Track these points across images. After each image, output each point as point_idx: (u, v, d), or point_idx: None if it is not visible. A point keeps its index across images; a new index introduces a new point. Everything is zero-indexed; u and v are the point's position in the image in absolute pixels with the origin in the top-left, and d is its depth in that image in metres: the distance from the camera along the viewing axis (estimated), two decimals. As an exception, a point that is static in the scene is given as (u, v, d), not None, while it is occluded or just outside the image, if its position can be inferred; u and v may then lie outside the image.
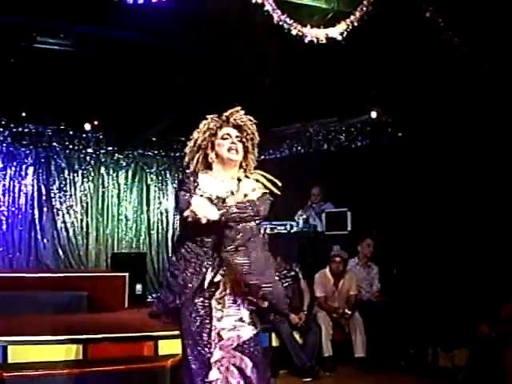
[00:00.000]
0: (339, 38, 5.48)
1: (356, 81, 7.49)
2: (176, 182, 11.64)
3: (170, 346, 5.71)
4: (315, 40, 5.38)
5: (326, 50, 5.67)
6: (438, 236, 7.33)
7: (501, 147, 6.81)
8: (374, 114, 8.63)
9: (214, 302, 3.13)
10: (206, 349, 3.10)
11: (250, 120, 3.33)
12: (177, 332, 5.83)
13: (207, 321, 3.12)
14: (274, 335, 6.34)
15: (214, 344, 3.10)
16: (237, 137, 3.28)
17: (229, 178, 3.28)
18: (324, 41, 5.41)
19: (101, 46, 6.92)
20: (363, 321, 6.66)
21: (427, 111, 7.57)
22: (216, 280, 3.12)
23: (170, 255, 11.31)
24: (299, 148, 10.11)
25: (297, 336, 6.44)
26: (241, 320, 3.14)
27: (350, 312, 6.70)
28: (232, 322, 3.13)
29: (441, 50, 6.03)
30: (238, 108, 3.34)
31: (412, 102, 7.74)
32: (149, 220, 11.34)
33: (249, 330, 3.15)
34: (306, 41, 5.37)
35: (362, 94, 8.03)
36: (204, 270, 3.11)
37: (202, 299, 3.14)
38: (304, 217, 8.71)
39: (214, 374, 3.09)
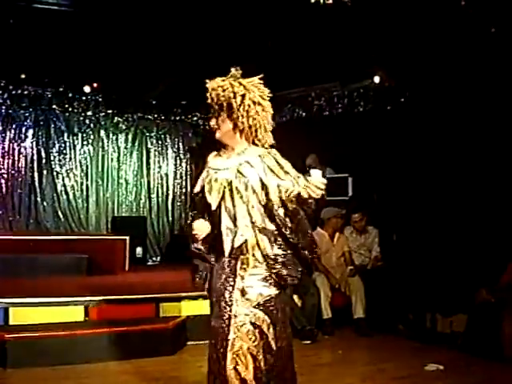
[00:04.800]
0: (345, -2, 5.39)
1: (359, 44, 7.38)
2: (176, 146, 11.63)
3: (172, 308, 5.77)
4: (321, 0, 5.29)
5: (330, 13, 5.59)
6: (439, 202, 7.32)
7: (507, 111, 6.73)
8: (377, 79, 8.52)
9: (239, 262, 3.16)
10: (228, 307, 3.13)
11: (220, 82, 3.19)
12: (178, 294, 5.95)
13: (231, 279, 3.16)
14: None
15: (235, 302, 3.13)
16: (214, 113, 3.25)
17: (234, 153, 3.27)
18: (330, 1, 5.31)
19: (100, 6, 6.81)
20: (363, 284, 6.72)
21: (431, 76, 7.48)
22: (236, 246, 3.14)
23: (169, 219, 11.37)
24: (301, 113, 10.02)
25: (295, 298, 6.49)
26: (264, 279, 3.15)
27: (352, 267, 6.84)
28: (255, 281, 3.15)
29: (446, 13, 5.94)
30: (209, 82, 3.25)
31: (416, 67, 7.64)
32: (149, 184, 11.31)
33: (271, 290, 3.16)
34: (312, 0, 5.28)
35: (365, 57, 7.92)
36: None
37: (228, 258, 3.18)
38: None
39: (231, 333, 3.11)
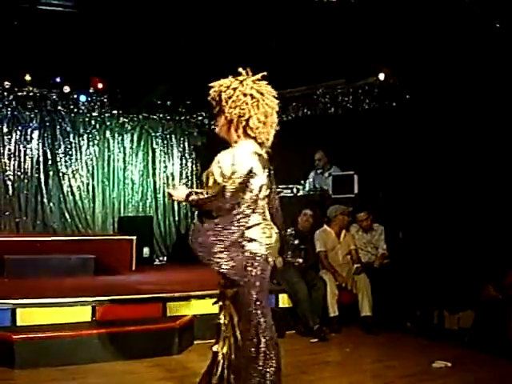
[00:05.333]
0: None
1: (364, 42, 7.37)
2: (181, 145, 11.64)
3: (179, 308, 5.78)
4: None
5: (334, 10, 5.58)
6: (445, 199, 7.30)
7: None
8: (382, 76, 8.49)
9: None
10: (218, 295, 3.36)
11: (221, 81, 3.26)
12: (184, 294, 5.98)
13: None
14: (281, 296, 6.40)
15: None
16: (213, 112, 3.31)
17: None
18: None
19: (104, 8, 6.82)
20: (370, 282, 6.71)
21: (436, 73, 7.46)
22: None
23: (176, 219, 11.39)
24: (306, 111, 9.99)
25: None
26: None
27: (358, 265, 6.84)
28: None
29: (451, 9, 5.92)
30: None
31: (421, 64, 7.62)
32: (155, 184, 11.33)
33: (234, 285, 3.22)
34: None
35: (369, 55, 7.90)
36: None
37: None
38: (311, 180, 8.68)
39: (221, 317, 3.32)
